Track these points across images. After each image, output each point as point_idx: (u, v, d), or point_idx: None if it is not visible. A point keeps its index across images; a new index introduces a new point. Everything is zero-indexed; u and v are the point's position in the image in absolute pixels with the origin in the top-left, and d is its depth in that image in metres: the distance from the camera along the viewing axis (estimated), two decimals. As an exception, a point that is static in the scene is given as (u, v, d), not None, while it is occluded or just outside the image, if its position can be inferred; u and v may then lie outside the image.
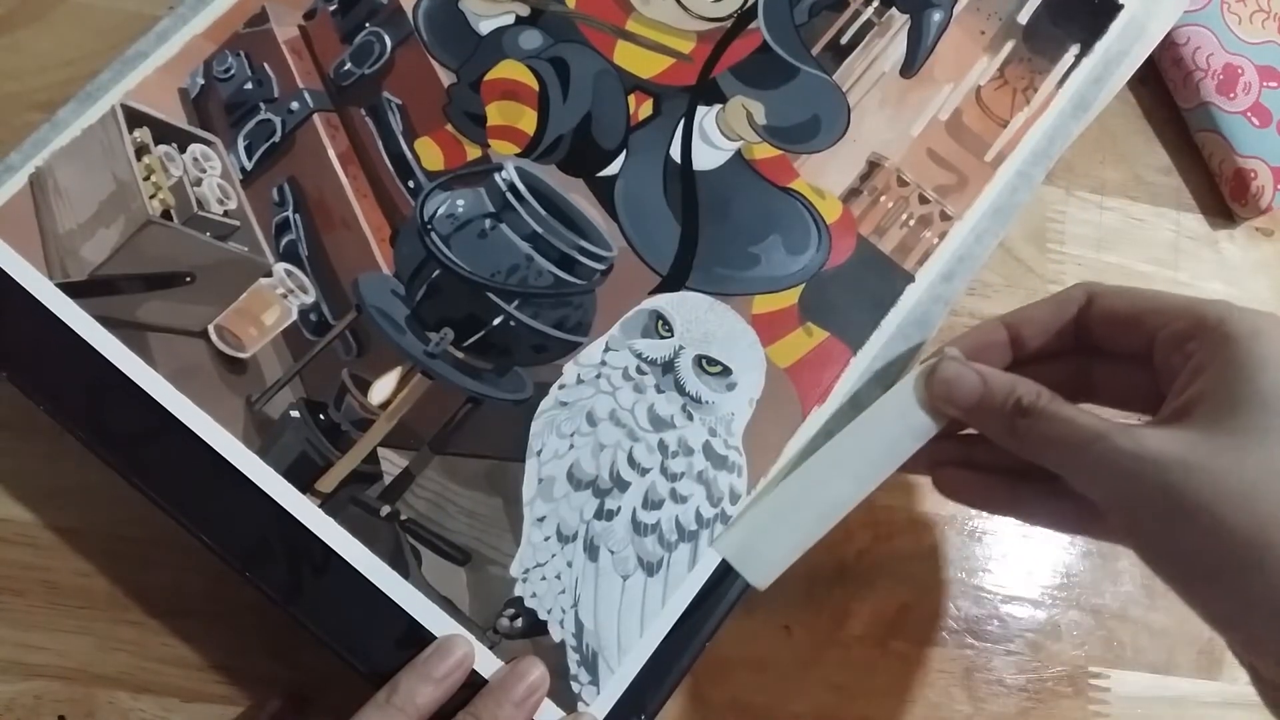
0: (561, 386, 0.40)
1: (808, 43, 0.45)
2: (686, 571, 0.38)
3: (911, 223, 0.43)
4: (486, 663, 0.36)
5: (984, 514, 0.47)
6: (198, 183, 0.41)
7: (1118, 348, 0.35)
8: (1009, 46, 0.45)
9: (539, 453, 0.39)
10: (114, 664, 0.41)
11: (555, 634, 0.37)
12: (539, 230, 0.41)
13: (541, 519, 0.38)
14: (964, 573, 0.47)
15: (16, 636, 0.41)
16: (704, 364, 0.40)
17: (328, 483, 0.38)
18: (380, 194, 0.42)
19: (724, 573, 0.38)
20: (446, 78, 0.43)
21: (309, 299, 0.40)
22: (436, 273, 0.41)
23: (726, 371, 0.40)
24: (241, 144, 0.42)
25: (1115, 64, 0.45)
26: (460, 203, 0.41)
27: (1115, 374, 0.36)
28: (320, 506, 0.37)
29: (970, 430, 0.37)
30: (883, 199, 0.43)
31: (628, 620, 0.37)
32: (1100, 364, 0.36)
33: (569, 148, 0.43)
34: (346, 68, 0.44)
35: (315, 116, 0.43)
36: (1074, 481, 0.32)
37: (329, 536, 0.37)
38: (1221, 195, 0.53)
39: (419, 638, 0.36)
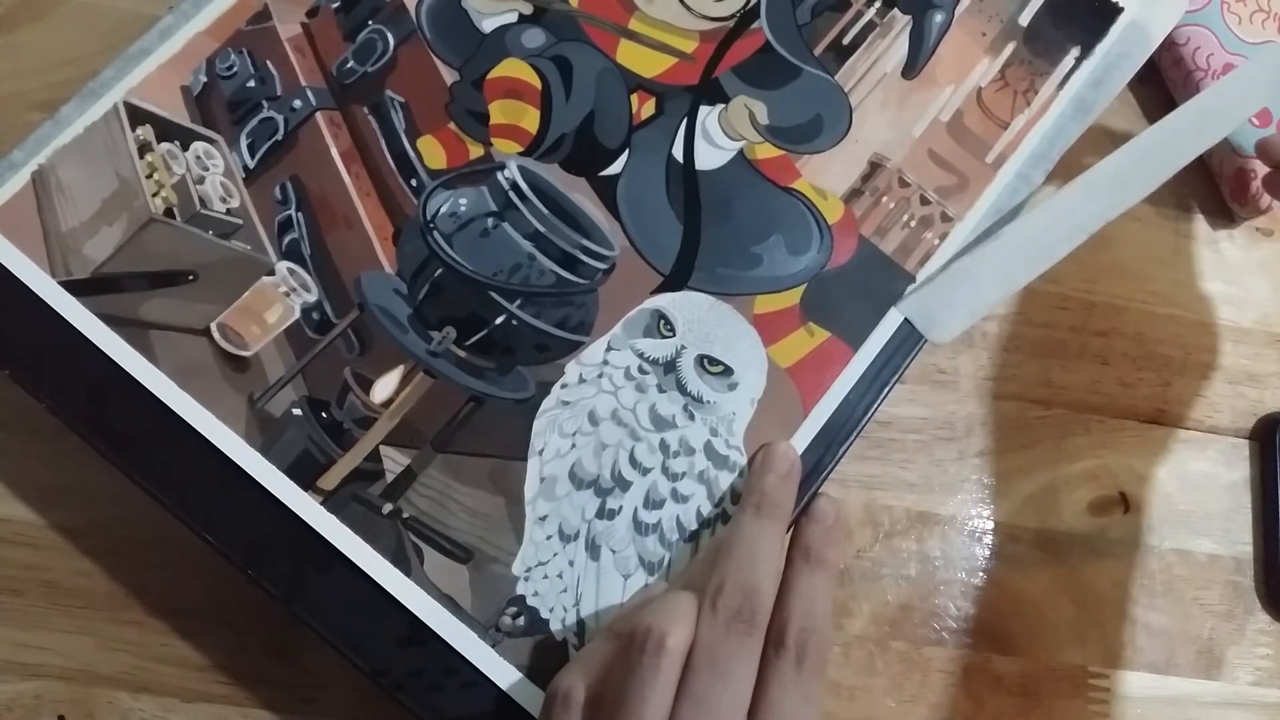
0: (563, 386, 0.40)
1: (810, 43, 0.45)
2: (689, 570, 0.38)
3: (913, 224, 0.43)
4: (489, 662, 0.36)
5: (983, 513, 0.47)
6: (200, 180, 0.41)
7: None
8: (1010, 48, 0.45)
9: (541, 452, 0.39)
10: (114, 664, 0.41)
11: (557, 632, 0.37)
12: (541, 229, 0.41)
13: (543, 518, 0.38)
14: (964, 573, 0.47)
15: (16, 636, 0.41)
16: (706, 364, 0.40)
17: (330, 480, 0.38)
18: (383, 192, 0.42)
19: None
20: (449, 76, 0.43)
21: (311, 297, 0.40)
22: (439, 271, 0.41)
23: (728, 371, 0.40)
24: (244, 142, 0.42)
25: (1115, 67, 0.45)
26: (463, 201, 0.42)
27: None
28: (322, 504, 0.37)
29: None
30: (884, 200, 0.43)
31: (630, 619, 0.37)
32: None
33: (571, 147, 0.43)
34: (349, 66, 0.44)
35: (318, 115, 0.43)
36: None
37: (331, 534, 0.37)
38: (1221, 195, 0.53)
39: (421, 635, 0.36)
